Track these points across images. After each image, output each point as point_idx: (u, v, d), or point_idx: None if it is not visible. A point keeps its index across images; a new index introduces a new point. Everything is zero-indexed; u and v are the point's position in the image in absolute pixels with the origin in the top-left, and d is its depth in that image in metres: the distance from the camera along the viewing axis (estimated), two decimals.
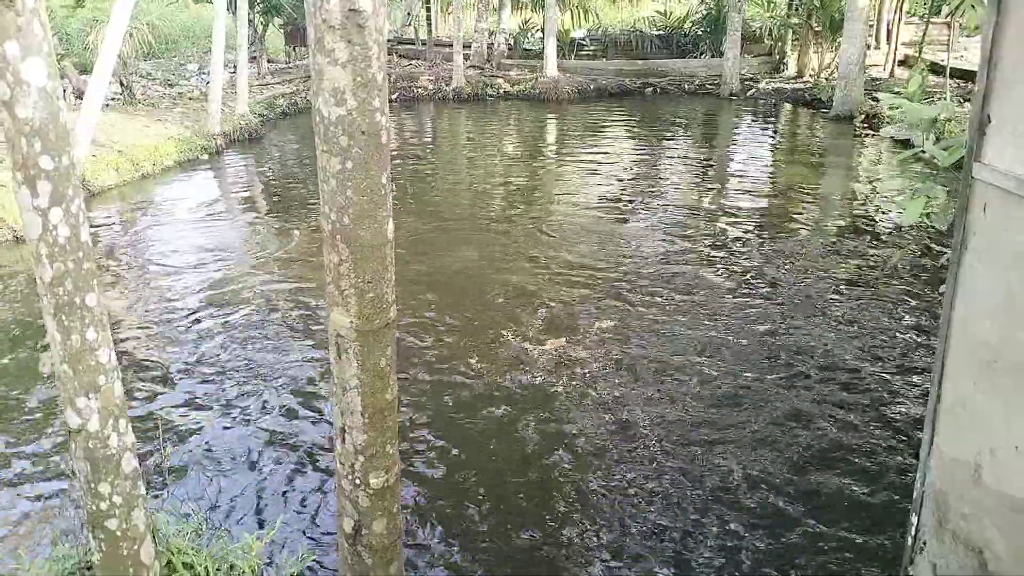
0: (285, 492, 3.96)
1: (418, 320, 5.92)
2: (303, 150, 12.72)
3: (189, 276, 7.00)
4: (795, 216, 8.78)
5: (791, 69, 18.93)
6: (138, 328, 5.91)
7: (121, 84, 14.20)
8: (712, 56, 19.96)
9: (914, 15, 20.67)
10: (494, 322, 5.87)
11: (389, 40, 20.88)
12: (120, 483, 2.51)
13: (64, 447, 4.25)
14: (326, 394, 4.86)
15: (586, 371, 5.12)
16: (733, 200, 9.44)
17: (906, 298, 6.21)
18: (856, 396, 4.75)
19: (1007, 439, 2.23)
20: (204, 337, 5.73)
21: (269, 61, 20.10)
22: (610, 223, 8.45)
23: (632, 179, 10.57)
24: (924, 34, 15.36)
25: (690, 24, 21.86)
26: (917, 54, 15.48)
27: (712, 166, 11.59)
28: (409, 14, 23.70)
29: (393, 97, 17.20)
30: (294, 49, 21.76)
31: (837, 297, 6.27)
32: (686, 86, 18.60)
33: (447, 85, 18.15)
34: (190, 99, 15.15)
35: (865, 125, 13.42)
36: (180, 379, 5.11)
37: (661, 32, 21.95)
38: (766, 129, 14.74)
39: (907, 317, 5.86)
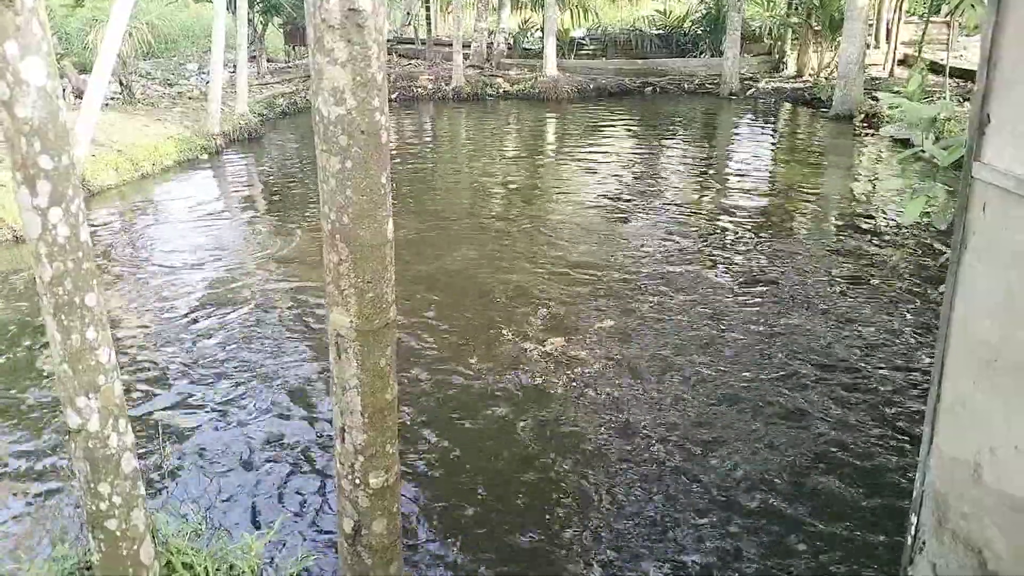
0: (284, 492, 3.95)
1: (418, 320, 5.91)
2: (303, 150, 12.72)
3: (189, 276, 7.00)
4: (795, 215, 8.79)
5: (791, 68, 18.93)
6: (138, 328, 5.91)
7: (120, 83, 14.19)
8: (712, 55, 19.94)
9: (914, 14, 20.68)
10: (494, 322, 5.87)
11: (388, 40, 20.91)
12: (120, 483, 2.51)
13: (63, 446, 4.25)
14: (326, 394, 4.86)
15: (586, 370, 5.12)
16: (733, 199, 9.44)
17: (906, 297, 6.21)
18: (856, 395, 4.75)
19: (1007, 438, 2.23)
20: (204, 337, 5.73)
21: (269, 60, 20.09)
22: (610, 222, 8.44)
23: (632, 178, 10.57)
24: (924, 33, 15.37)
25: (690, 23, 21.84)
26: (917, 53, 15.49)
27: (712, 165, 11.58)
28: (408, 13, 23.70)
29: (393, 97, 17.20)
30: (294, 48, 21.76)
31: (837, 296, 6.27)
32: (686, 85, 18.60)
33: (447, 85, 18.15)
34: (189, 99, 15.14)
35: (865, 124, 13.42)
36: (180, 379, 5.11)
37: (661, 31, 21.93)
38: (766, 128, 14.74)
39: (907, 316, 5.86)
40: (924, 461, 2.65)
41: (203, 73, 18.10)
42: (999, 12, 2.20)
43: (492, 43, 20.21)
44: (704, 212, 8.86)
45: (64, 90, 12.45)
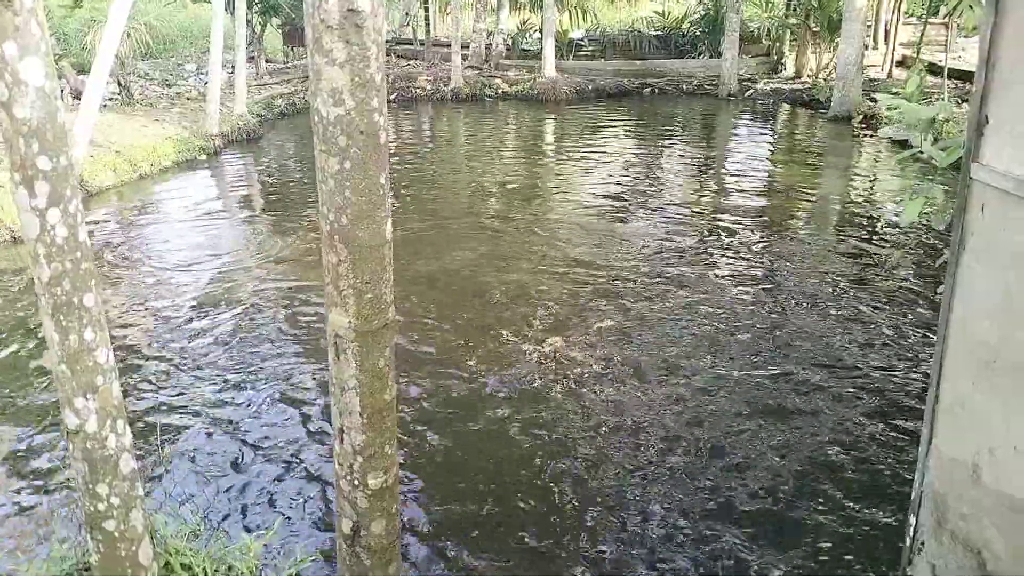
0: (283, 493, 3.95)
1: (417, 320, 5.91)
2: (301, 150, 12.71)
3: (187, 276, 6.99)
4: (794, 216, 8.79)
5: (789, 70, 18.94)
6: (136, 328, 5.90)
7: (119, 84, 14.18)
8: (710, 56, 19.96)
9: (912, 15, 20.68)
10: (493, 322, 5.87)
11: (387, 40, 20.87)
12: (118, 484, 2.50)
13: (62, 447, 4.24)
14: (324, 394, 4.86)
15: (585, 370, 5.12)
16: (731, 200, 9.44)
17: (906, 297, 6.21)
18: (856, 395, 4.75)
19: (1006, 439, 2.24)
20: (202, 337, 5.72)
21: (267, 61, 20.09)
22: (609, 222, 8.45)
23: (631, 179, 10.57)
24: (922, 34, 15.38)
25: (688, 24, 21.87)
26: (915, 54, 15.50)
27: (710, 166, 11.59)
28: (407, 14, 23.69)
29: (391, 97, 17.20)
30: (292, 49, 21.75)
31: (837, 296, 6.27)
32: (684, 86, 18.61)
33: (445, 85, 18.15)
34: (188, 99, 15.14)
35: (863, 125, 13.43)
36: (178, 379, 5.10)
37: (659, 32, 21.95)
38: (764, 129, 14.76)
39: (907, 316, 5.86)
40: (923, 462, 2.65)
41: (201, 74, 18.09)
42: (997, 13, 2.21)
43: (491, 44, 20.21)
44: (703, 212, 8.87)
45: (62, 91, 12.42)
